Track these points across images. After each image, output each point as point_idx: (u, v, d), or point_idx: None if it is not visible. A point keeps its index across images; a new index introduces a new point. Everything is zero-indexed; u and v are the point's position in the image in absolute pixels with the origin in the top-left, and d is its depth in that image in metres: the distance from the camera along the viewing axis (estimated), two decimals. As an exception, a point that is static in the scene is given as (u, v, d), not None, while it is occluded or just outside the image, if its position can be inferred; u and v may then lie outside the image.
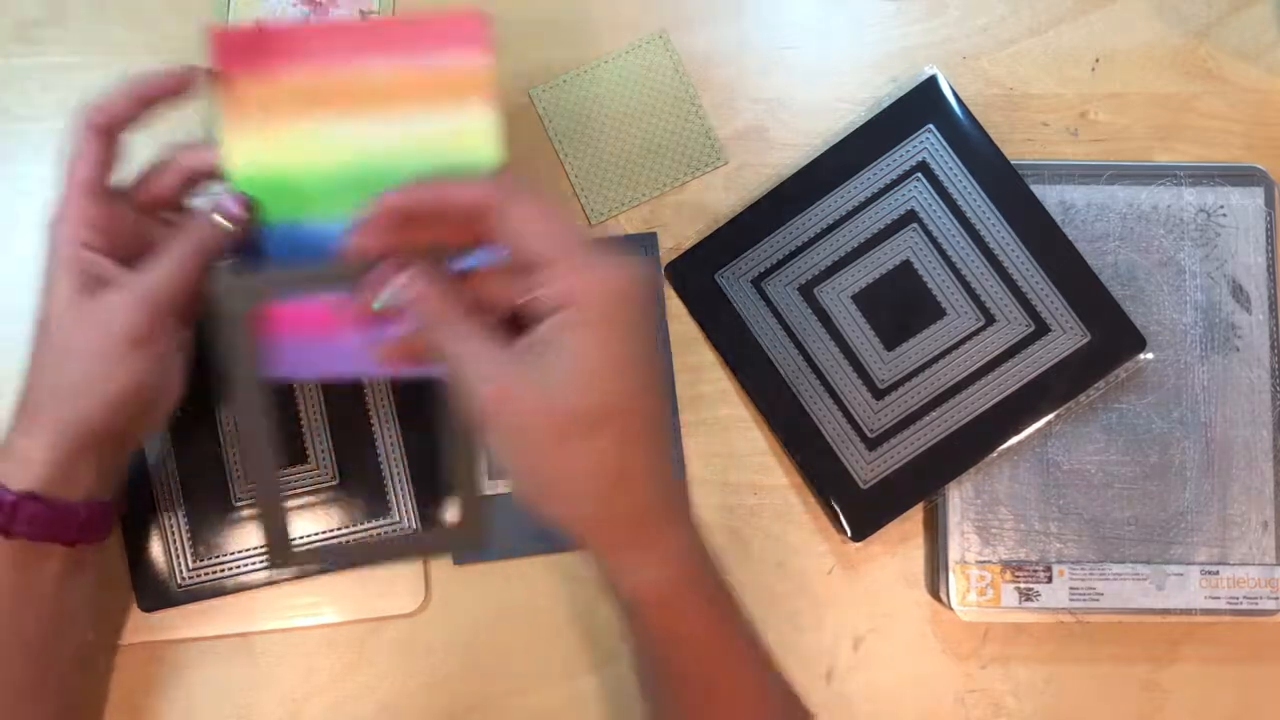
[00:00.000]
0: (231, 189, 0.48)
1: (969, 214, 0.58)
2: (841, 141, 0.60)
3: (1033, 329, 0.57)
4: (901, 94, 0.59)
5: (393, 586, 0.57)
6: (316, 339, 0.49)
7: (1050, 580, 0.57)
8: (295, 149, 0.49)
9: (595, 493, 0.41)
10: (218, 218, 0.48)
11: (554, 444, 0.40)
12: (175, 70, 0.48)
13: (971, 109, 0.59)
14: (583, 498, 0.41)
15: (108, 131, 0.48)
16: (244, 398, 0.47)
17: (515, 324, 0.43)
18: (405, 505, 0.57)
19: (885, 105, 0.59)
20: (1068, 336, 0.57)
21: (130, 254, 0.48)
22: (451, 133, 0.48)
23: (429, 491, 0.57)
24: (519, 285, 0.42)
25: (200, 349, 0.50)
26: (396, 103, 0.49)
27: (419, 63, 0.48)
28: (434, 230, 0.44)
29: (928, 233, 0.58)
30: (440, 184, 0.43)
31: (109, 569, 0.55)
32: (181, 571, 0.56)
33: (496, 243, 0.42)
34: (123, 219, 0.48)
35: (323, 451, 0.57)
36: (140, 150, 0.50)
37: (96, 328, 0.46)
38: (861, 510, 0.57)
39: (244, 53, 0.48)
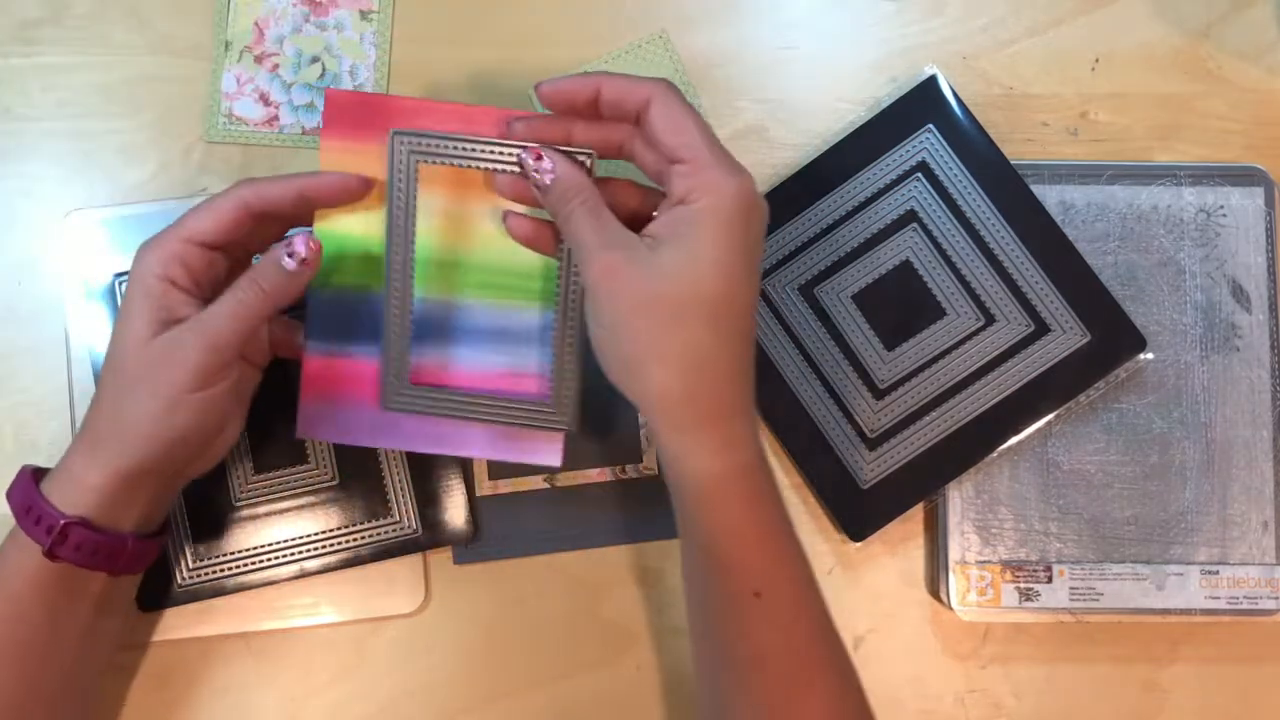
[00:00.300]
0: (302, 230, 0.50)
1: (969, 214, 0.58)
2: (841, 141, 0.60)
3: (1033, 329, 0.57)
4: (901, 94, 0.59)
5: (393, 586, 0.57)
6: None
7: (1050, 580, 0.57)
8: (377, 220, 0.50)
9: (683, 371, 0.44)
10: (284, 259, 0.48)
11: (657, 321, 0.43)
12: (346, 180, 0.49)
13: (971, 109, 0.59)
14: (671, 374, 0.44)
15: (252, 211, 0.48)
16: (398, 246, 0.50)
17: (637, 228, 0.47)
18: (405, 505, 0.57)
19: (885, 105, 0.59)
20: (1068, 336, 0.57)
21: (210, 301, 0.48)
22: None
23: (429, 491, 0.57)
24: (650, 195, 0.48)
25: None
26: (483, 190, 0.50)
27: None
28: (585, 131, 0.48)
29: (928, 233, 0.58)
30: (605, 76, 0.47)
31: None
32: (181, 571, 0.56)
33: (643, 136, 0.47)
34: (214, 267, 0.49)
35: (322, 451, 0.57)
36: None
37: (164, 365, 0.46)
38: (861, 510, 0.57)
39: (352, 116, 0.50)
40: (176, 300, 0.47)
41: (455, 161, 0.49)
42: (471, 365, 0.52)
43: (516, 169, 0.48)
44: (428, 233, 0.50)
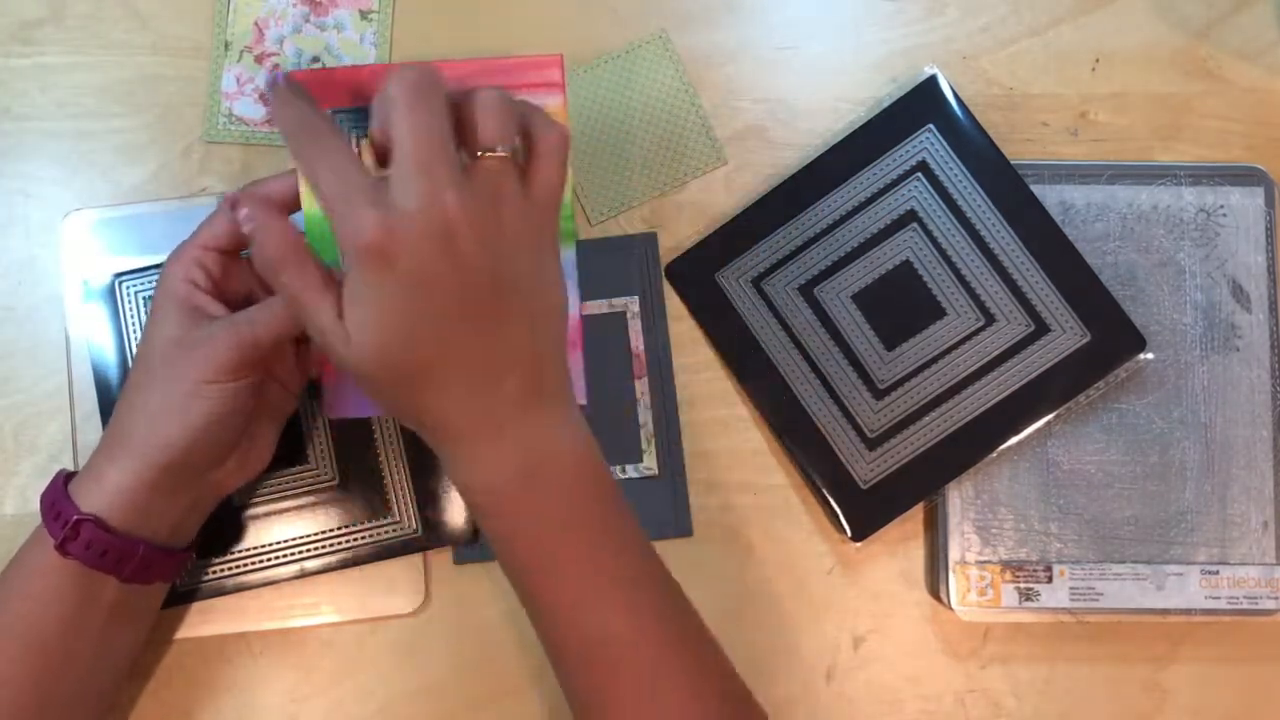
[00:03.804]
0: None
1: (969, 214, 0.58)
2: (841, 141, 0.60)
3: (1033, 329, 0.57)
4: (901, 94, 0.59)
5: (393, 586, 0.57)
6: None
7: (1050, 580, 0.57)
8: None
9: (428, 417, 0.43)
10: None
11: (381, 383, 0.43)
12: None
13: (971, 109, 0.59)
14: (435, 394, 0.43)
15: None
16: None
17: None
18: (405, 505, 0.57)
19: (885, 105, 0.59)
20: (1068, 336, 0.57)
21: (238, 308, 0.49)
22: None
23: (429, 491, 0.57)
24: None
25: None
26: None
27: None
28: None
29: (928, 233, 0.58)
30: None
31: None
32: (181, 571, 0.56)
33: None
34: (236, 276, 0.50)
35: (323, 451, 0.57)
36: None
37: (191, 354, 0.47)
38: (861, 510, 0.57)
39: (316, 92, 0.49)
40: (202, 300, 0.48)
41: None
42: None
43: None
44: None
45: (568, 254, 0.50)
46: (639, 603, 0.46)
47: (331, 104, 0.49)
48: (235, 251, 0.50)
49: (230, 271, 0.50)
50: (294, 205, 0.50)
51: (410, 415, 0.45)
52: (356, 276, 0.41)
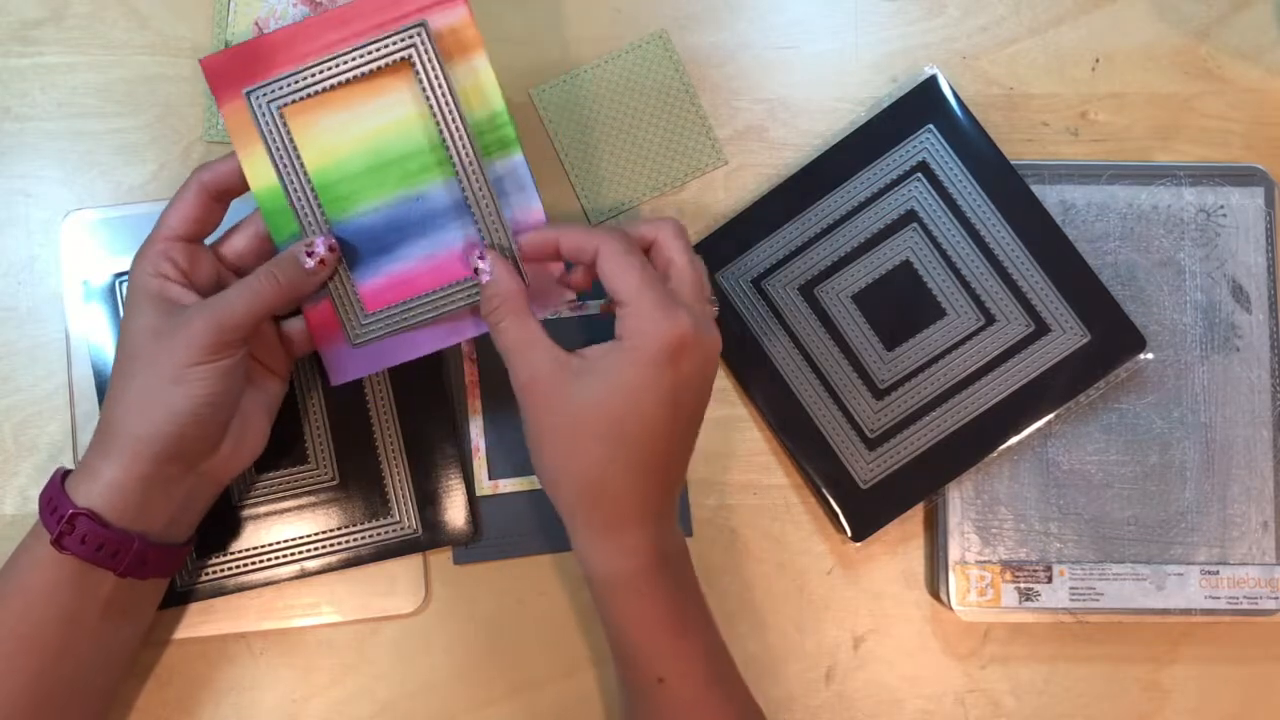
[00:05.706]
0: (319, 233, 0.50)
1: (969, 214, 0.58)
2: (841, 141, 0.60)
3: (1033, 329, 0.57)
4: (901, 94, 0.59)
5: (393, 586, 0.57)
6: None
7: (1050, 580, 0.57)
8: (309, 151, 0.50)
9: (581, 489, 0.48)
10: (303, 257, 0.49)
11: (563, 444, 0.48)
12: None
13: (971, 109, 0.59)
14: (573, 491, 0.48)
15: (212, 193, 0.50)
16: (297, 193, 0.51)
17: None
18: (405, 505, 0.57)
19: (885, 105, 0.59)
20: (1068, 336, 0.57)
21: (209, 295, 0.49)
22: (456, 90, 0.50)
23: (429, 491, 0.57)
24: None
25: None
26: (395, 78, 0.50)
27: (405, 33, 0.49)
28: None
29: (928, 233, 0.58)
30: (562, 230, 0.49)
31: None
32: (182, 572, 0.56)
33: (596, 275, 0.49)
34: (203, 262, 0.51)
35: (323, 451, 0.57)
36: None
37: (167, 342, 0.47)
38: (861, 510, 0.57)
39: (238, 70, 0.50)
40: (175, 292, 0.48)
41: (317, 89, 0.49)
42: (416, 267, 0.51)
43: (382, 63, 0.49)
44: (323, 157, 0.50)
45: (516, 159, 0.50)
46: (690, 650, 0.50)
47: (263, 75, 0.50)
48: (199, 239, 0.50)
49: (197, 259, 0.50)
50: (242, 186, 0.50)
51: (551, 486, 0.49)
52: (633, 357, 0.46)
